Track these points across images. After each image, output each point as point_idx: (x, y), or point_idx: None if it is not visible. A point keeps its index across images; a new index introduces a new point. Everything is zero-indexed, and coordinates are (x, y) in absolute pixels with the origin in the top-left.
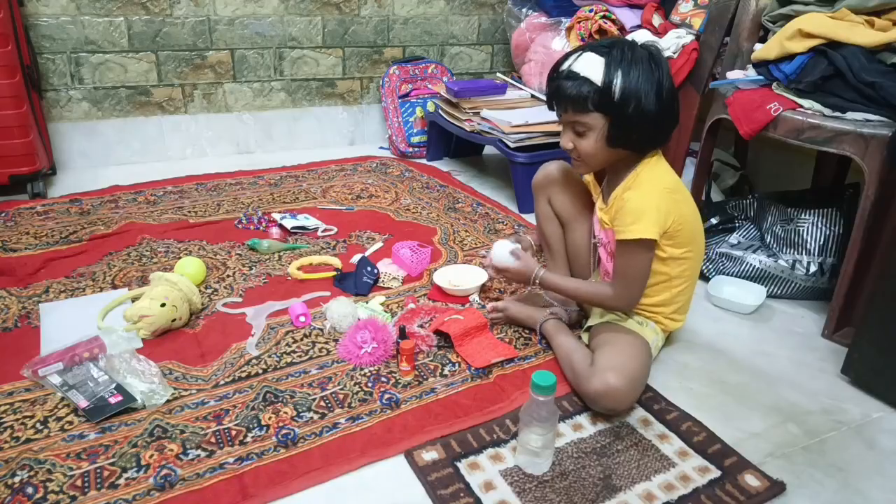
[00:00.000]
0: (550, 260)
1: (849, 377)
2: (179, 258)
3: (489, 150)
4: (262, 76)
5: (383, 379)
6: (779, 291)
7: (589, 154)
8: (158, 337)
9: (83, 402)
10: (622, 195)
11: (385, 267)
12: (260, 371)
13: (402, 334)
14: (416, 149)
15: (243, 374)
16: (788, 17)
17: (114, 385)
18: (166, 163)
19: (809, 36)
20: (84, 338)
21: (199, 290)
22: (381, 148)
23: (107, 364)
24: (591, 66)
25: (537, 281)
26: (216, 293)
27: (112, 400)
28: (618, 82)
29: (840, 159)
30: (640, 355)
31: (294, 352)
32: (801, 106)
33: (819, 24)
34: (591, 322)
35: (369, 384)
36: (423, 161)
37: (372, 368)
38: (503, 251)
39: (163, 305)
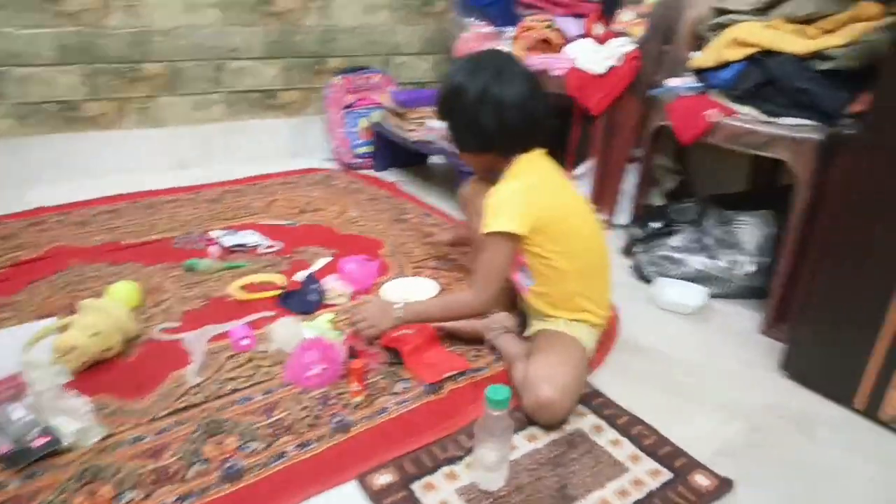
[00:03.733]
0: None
1: (787, 372)
2: (111, 283)
3: (435, 158)
4: (200, 88)
5: (332, 401)
6: (719, 291)
7: (466, 161)
8: (90, 369)
9: (3, 447)
10: (487, 194)
11: (332, 283)
12: (201, 400)
13: (352, 354)
14: (362, 160)
15: (183, 405)
16: (724, 27)
17: (39, 427)
18: (98, 180)
19: (745, 44)
20: (5, 375)
21: (134, 316)
22: (325, 160)
23: (32, 403)
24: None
25: (400, 320)
26: (152, 318)
27: (36, 443)
28: (441, 87)
29: (775, 162)
30: (572, 359)
31: (237, 377)
32: (738, 112)
33: (754, 33)
34: (528, 332)
35: (318, 408)
36: (370, 172)
37: (320, 391)
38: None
39: (94, 335)
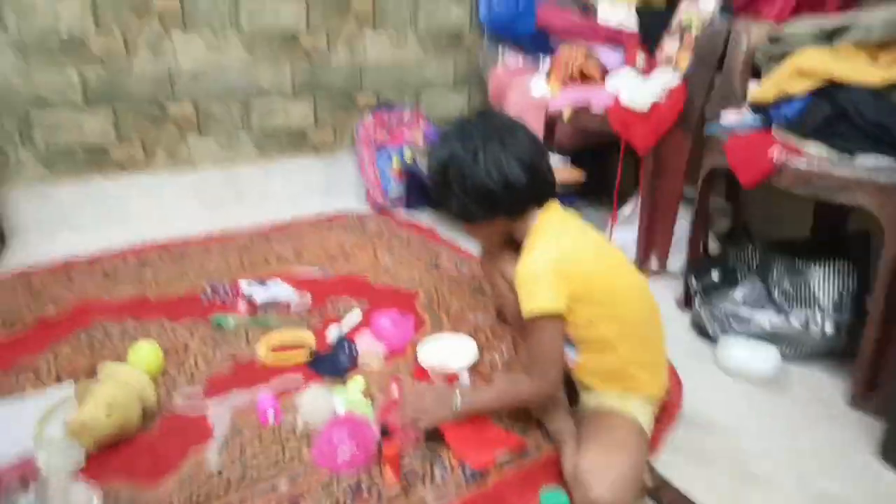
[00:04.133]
0: (520, 337)
1: (890, 462)
2: (136, 340)
3: None
4: (228, 128)
5: (365, 492)
6: (791, 352)
7: (475, 236)
8: (105, 446)
9: None
10: (517, 268)
11: (364, 342)
12: (222, 490)
13: (385, 433)
14: (395, 201)
15: (201, 497)
16: (783, 56)
17: None
18: (127, 225)
19: (810, 75)
20: (14, 456)
21: (156, 381)
22: (358, 201)
23: (37, 493)
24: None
25: (457, 414)
26: (174, 384)
27: None
28: (430, 161)
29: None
30: (628, 445)
31: (261, 460)
32: (805, 151)
33: (819, 62)
34: (578, 407)
35: (348, 501)
36: (403, 214)
37: (351, 480)
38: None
39: (110, 413)
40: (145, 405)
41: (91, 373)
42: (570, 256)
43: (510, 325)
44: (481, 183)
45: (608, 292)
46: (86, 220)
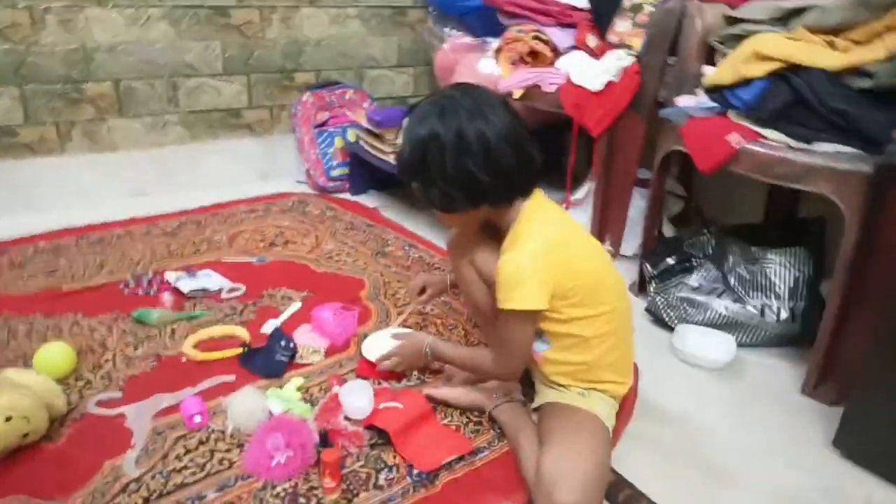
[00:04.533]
0: (485, 328)
1: (841, 450)
2: (45, 340)
3: None
4: (153, 109)
5: (302, 500)
6: (747, 339)
7: (452, 224)
8: (5, 459)
9: None
10: (501, 258)
11: (303, 337)
12: (140, 501)
13: (324, 441)
14: (338, 182)
15: None
16: (739, 38)
17: None
18: (41, 213)
19: (767, 59)
20: None
21: (66, 385)
22: (298, 182)
23: None
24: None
25: (429, 354)
26: (89, 386)
27: None
28: (406, 143)
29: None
30: (592, 446)
31: (186, 467)
32: (764, 136)
33: (777, 45)
34: (536, 403)
35: None
36: (347, 196)
37: (287, 485)
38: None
39: (8, 420)
40: (52, 412)
41: None
42: (559, 252)
43: (470, 307)
44: (466, 167)
45: (591, 291)
46: None
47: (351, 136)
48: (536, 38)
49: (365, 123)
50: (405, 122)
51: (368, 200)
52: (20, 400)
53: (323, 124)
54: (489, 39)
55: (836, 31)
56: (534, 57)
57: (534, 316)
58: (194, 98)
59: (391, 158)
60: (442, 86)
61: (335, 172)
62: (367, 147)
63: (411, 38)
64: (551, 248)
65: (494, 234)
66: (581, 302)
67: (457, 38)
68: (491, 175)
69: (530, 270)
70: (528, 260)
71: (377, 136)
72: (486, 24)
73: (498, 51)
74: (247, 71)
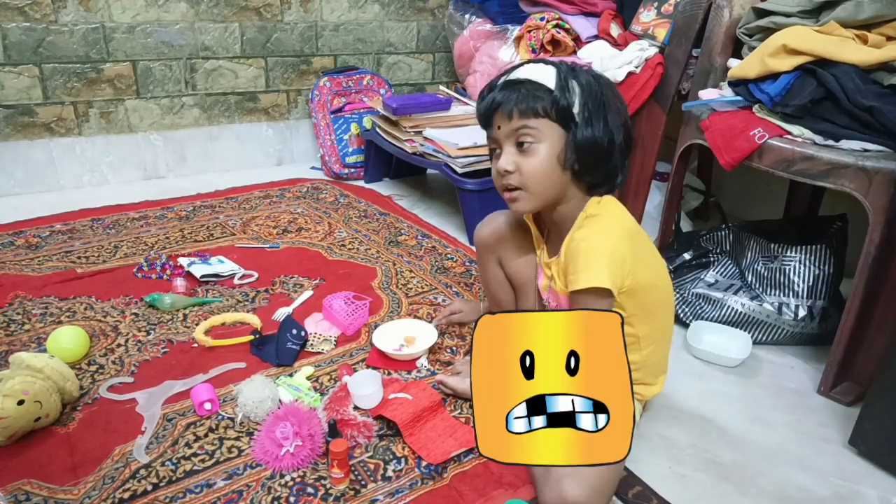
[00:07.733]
0: None
1: (857, 449)
2: (59, 322)
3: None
4: (170, 91)
5: (310, 490)
6: (764, 338)
7: (535, 178)
8: (17, 442)
9: None
10: (573, 235)
11: (314, 325)
12: (149, 487)
13: (333, 431)
14: (353, 169)
15: (126, 495)
16: (767, 30)
17: None
18: (58, 193)
19: (795, 52)
20: None
21: (79, 370)
22: (312, 168)
23: None
24: (541, 73)
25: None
26: (101, 371)
27: None
28: (576, 90)
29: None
30: None
31: (195, 454)
32: (789, 132)
33: (806, 39)
34: None
35: (291, 498)
36: (361, 183)
37: (295, 474)
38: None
39: (20, 403)
40: (65, 396)
41: (4, 361)
42: (635, 240)
43: (492, 306)
44: (614, 145)
45: (651, 288)
46: (9, 186)
47: (367, 122)
48: (558, 26)
49: (381, 110)
50: (562, 67)
51: (383, 189)
52: (33, 384)
53: (339, 110)
54: (510, 27)
55: (867, 25)
56: (554, 45)
57: (606, 297)
58: (211, 80)
59: (407, 146)
60: (460, 73)
61: (350, 159)
62: (382, 134)
63: (430, 25)
64: (632, 234)
65: (525, 235)
66: (642, 301)
67: (477, 25)
68: (626, 148)
69: (611, 250)
70: (612, 239)
71: (393, 123)
72: (507, 12)
73: (518, 39)
74: (264, 54)
